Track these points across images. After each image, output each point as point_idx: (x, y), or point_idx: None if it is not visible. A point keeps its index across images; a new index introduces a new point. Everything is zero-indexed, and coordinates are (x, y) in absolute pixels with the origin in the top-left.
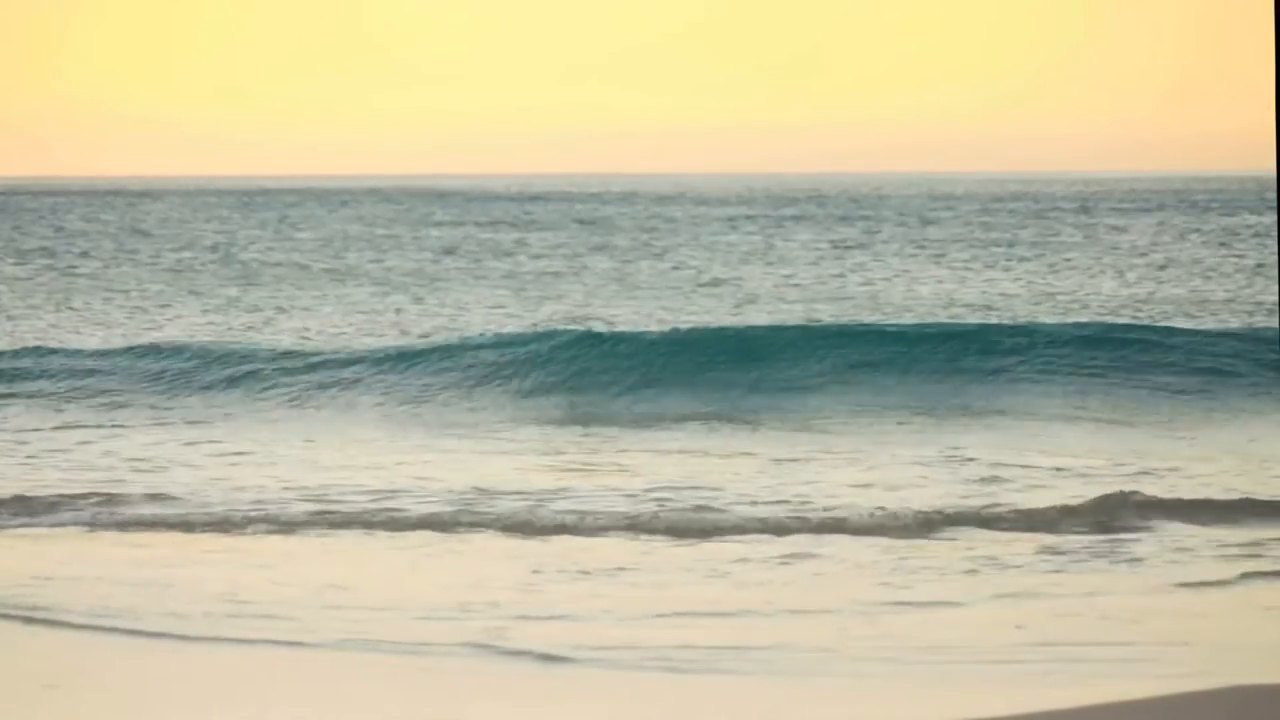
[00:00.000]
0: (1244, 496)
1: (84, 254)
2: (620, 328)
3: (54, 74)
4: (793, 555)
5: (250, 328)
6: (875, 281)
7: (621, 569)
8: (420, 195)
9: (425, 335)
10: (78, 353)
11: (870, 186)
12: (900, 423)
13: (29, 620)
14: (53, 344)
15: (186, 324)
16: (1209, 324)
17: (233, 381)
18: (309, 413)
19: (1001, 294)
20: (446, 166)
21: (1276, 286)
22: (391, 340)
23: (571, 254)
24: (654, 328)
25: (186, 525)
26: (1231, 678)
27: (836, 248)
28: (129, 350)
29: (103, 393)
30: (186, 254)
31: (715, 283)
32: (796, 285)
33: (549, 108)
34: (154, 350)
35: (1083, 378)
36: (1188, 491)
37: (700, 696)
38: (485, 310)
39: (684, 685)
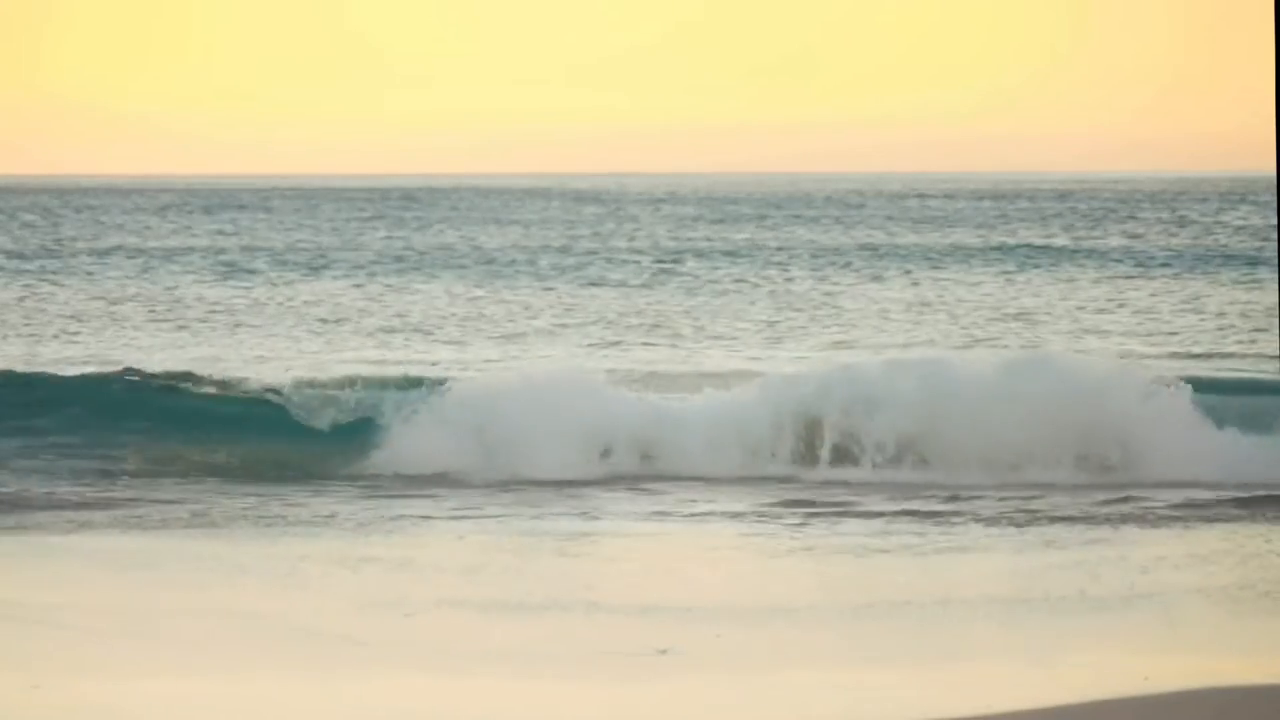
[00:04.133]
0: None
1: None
2: None
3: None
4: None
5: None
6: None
7: None
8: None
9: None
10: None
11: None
12: None
13: (13, 619)
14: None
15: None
16: None
17: None
18: None
19: None
20: (446, 167)
21: (1277, 287)
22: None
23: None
24: None
25: None
26: (1215, 679)
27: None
28: None
29: None
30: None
31: None
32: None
33: (546, 108)
34: None
35: None
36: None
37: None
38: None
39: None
